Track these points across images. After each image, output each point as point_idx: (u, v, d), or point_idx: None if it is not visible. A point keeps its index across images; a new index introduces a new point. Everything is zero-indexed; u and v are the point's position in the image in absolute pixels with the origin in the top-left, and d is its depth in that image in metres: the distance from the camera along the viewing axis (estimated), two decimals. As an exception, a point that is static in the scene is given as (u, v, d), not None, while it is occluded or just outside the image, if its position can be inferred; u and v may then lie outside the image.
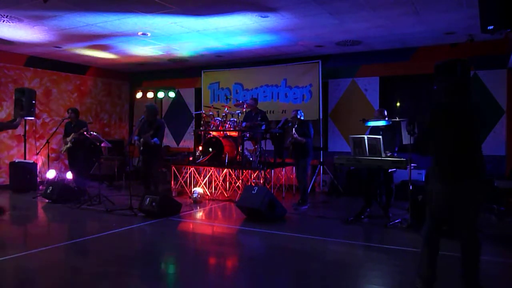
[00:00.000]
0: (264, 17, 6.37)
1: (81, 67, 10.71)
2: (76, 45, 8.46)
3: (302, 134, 6.97)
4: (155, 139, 6.90)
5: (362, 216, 6.09)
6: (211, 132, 8.36)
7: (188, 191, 8.07)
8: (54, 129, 8.84)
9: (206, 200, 7.83)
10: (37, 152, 8.98)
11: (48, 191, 7.46)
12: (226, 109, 8.33)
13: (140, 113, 8.28)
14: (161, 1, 5.71)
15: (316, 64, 8.90)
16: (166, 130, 10.96)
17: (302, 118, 7.16)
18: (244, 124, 8.04)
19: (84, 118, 9.55)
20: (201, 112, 8.87)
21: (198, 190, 7.70)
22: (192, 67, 10.70)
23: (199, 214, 6.76)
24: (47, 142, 8.20)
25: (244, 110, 8.32)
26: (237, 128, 7.98)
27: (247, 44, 8.20)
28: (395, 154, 5.98)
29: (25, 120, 8.94)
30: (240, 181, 8.22)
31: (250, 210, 6.09)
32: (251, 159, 7.94)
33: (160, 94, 10.60)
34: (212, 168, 8.11)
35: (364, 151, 5.68)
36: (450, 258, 4.16)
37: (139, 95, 10.78)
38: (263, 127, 7.87)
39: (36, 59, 9.67)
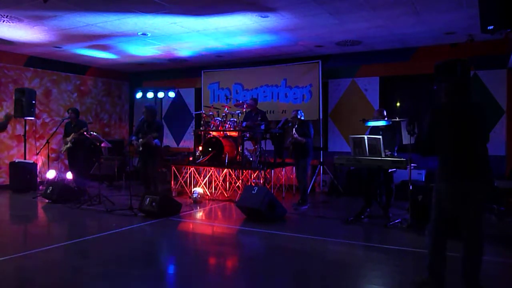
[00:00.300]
0: (264, 17, 6.37)
1: (81, 67, 10.71)
2: (76, 45, 8.46)
3: (302, 134, 6.97)
4: (156, 140, 6.91)
5: (362, 216, 6.08)
6: (211, 132, 8.36)
7: (188, 191, 8.07)
8: (54, 129, 8.85)
9: (206, 200, 7.83)
10: (37, 152, 8.98)
11: (48, 191, 7.46)
12: (226, 109, 8.33)
13: (140, 113, 8.28)
14: (161, 1, 5.71)
15: (316, 64, 8.90)
16: (166, 130, 10.98)
17: (302, 118, 7.16)
18: (244, 124, 8.04)
19: (84, 118, 9.55)
20: (201, 112, 8.87)
21: (198, 190, 7.70)
22: (192, 67, 10.70)
23: (199, 214, 6.76)
24: (47, 142, 8.20)
25: (244, 110, 8.32)
26: (237, 128, 7.98)
27: (247, 44, 8.20)
28: (395, 154, 5.98)
29: (25, 120, 8.95)
30: (240, 181, 8.22)
31: (250, 210, 6.09)
32: (251, 159, 7.94)
33: (160, 94, 10.59)
34: (212, 168, 8.11)
35: (364, 151, 5.68)
36: (450, 258, 4.16)
37: (139, 95, 10.78)
38: (263, 127, 7.87)
39: (36, 59, 9.67)
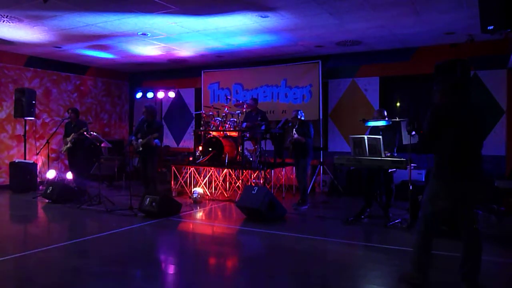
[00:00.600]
0: (264, 17, 6.37)
1: (81, 67, 10.71)
2: (76, 45, 8.46)
3: (302, 134, 6.97)
4: (156, 140, 6.92)
5: (362, 216, 6.09)
6: (211, 132, 8.36)
7: (188, 191, 8.07)
8: (54, 129, 8.86)
9: (206, 200, 7.83)
10: (37, 152, 8.98)
11: (48, 191, 7.46)
12: (226, 109, 8.33)
13: (140, 113, 8.28)
14: (161, 1, 5.71)
15: (316, 64, 8.90)
16: (166, 130, 10.98)
17: (302, 118, 7.16)
18: (244, 124, 8.04)
19: (84, 118, 9.55)
20: (201, 112, 8.87)
21: (198, 190, 7.70)
22: (192, 67, 10.70)
23: (199, 214, 6.76)
24: (47, 142, 8.21)
25: (244, 110, 8.32)
26: (237, 128, 7.97)
27: (247, 44, 8.20)
28: (395, 154, 5.98)
29: (25, 120, 8.95)
30: (240, 181, 8.22)
31: (250, 210, 6.09)
32: (251, 159, 7.94)
33: (160, 94, 10.60)
34: (212, 168, 8.11)
35: (364, 151, 5.68)
36: (450, 258, 4.17)
37: (139, 95, 10.78)
38: (263, 127, 7.87)
39: (36, 59, 9.67)
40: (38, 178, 8.97)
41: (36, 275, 3.87)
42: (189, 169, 8.30)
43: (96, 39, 7.92)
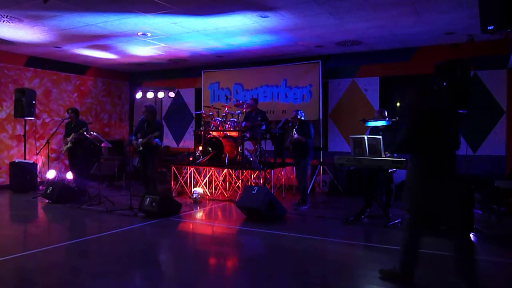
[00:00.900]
0: (264, 17, 6.37)
1: (81, 67, 10.71)
2: (76, 45, 8.46)
3: (302, 134, 6.98)
4: (157, 139, 6.91)
5: (362, 216, 6.09)
6: (211, 132, 8.36)
7: (188, 191, 8.07)
8: (54, 129, 8.86)
9: (206, 200, 7.83)
10: (37, 152, 8.98)
11: (48, 191, 7.45)
12: (226, 109, 8.32)
13: (140, 113, 8.28)
14: (161, 1, 5.71)
15: (316, 64, 8.90)
16: (166, 130, 10.98)
17: (302, 118, 7.16)
18: (244, 124, 8.04)
19: (84, 118, 9.55)
20: (201, 112, 8.87)
21: (198, 190, 7.70)
22: (192, 67, 10.70)
23: (199, 214, 6.76)
24: (47, 142, 8.21)
25: (244, 110, 8.31)
26: (237, 128, 7.98)
27: (247, 44, 8.20)
28: (395, 155, 5.97)
29: (25, 120, 8.95)
30: (240, 181, 8.22)
31: (250, 210, 6.09)
32: (251, 159, 7.94)
33: (160, 94, 10.59)
34: (212, 168, 8.11)
35: (364, 151, 5.68)
36: (450, 258, 4.16)
37: (139, 95, 10.77)
38: (263, 127, 7.87)
39: (36, 59, 9.67)
40: (38, 178, 8.96)
41: (36, 275, 3.88)
42: (189, 169, 8.30)
43: (96, 39, 7.92)
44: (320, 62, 8.83)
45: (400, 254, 3.60)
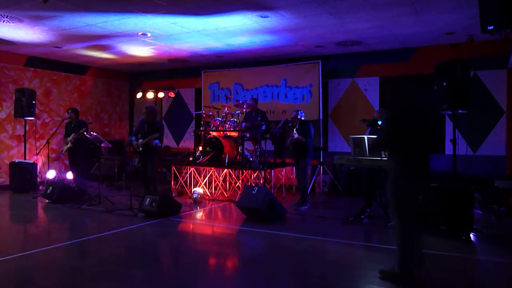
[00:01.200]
0: (264, 17, 6.37)
1: (81, 67, 10.71)
2: (76, 45, 8.46)
3: (302, 134, 6.97)
4: (157, 140, 6.91)
5: (362, 216, 6.09)
6: (211, 132, 8.36)
7: (188, 191, 8.07)
8: (54, 129, 8.85)
9: (206, 200, 7.83)
10: (37, 152, 8.98)
11: (48, 191, 7.45)
12: (226, 109, 8.32)
13: (140, 113, 8.28)
14: (161, 1, 5.71)
15: (316, 64, 8.90)
16: (166, 130, 10.98)
17: (302, 118, 7.16)
18: (244, 124, 8.04)
19: (84, 118, 9.55)
20: (201, 112, 8.87)
21: (198, 190, 7.70)
22: (192, 67, 10.70)
23: (199, 214, 6.76)
24: (47, 142, 8.21)
25: (244, 110, 8.31)
26: (237, 128, 7.97)
27: (247, 44, 8.20)
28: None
29: (25, 120, 8.95)
30: (240, 181, 8.22)
31: (250, 210, 6.09)
32: (251, 159, 7.94)
33: (160, 94, 10.59)
34: (212, 168, 8.11)
35: (364, 151, 5.68)
36: (449, 259, 4.17)
37: (139, 95, 10.78)
38: (263, 127, 7.87)
39: (36, 59, 9.67)
40: (38, 178, 8.96)
41: (36, 275, 3.88)
42: (189, 169, 8.30)
43: (96, 39, 7.92)
44: (320, 62, 8.83)
45: (397, 254, 3.59)
